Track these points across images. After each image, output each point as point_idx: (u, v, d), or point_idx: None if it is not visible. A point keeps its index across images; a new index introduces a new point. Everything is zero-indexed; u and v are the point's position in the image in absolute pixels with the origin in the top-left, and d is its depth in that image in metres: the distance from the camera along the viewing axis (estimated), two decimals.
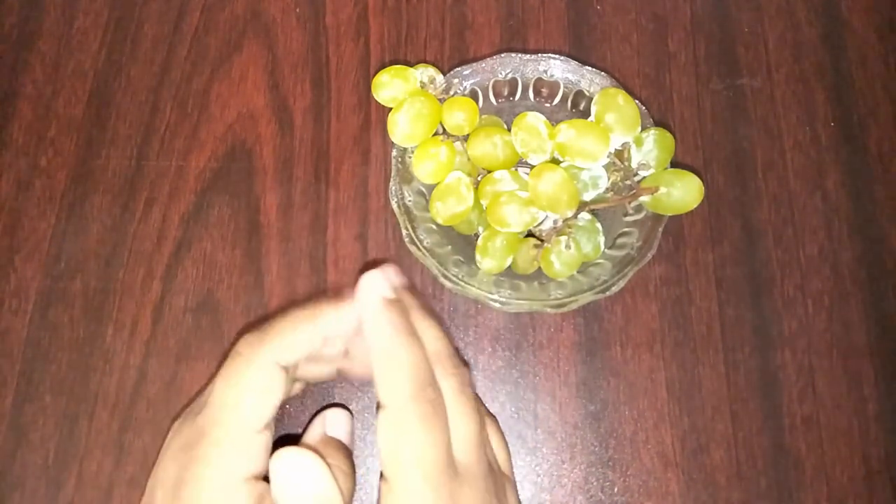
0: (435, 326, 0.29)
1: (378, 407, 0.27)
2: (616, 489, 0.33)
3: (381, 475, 0.26)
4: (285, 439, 0.29)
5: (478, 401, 0.30)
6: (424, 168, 0.32)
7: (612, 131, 0.31)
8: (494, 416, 0.33)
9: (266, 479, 0.28)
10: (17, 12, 0.41)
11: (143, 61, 0.40)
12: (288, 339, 0.27)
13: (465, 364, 0.31)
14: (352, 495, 0.28)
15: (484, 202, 0.33)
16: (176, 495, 0.26)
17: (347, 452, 0.29)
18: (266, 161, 0.38)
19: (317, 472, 0.25)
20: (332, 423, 0.30)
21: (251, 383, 0.27)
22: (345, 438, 0.29)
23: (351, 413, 0.32)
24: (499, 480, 0.28)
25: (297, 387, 0.31)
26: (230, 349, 0.30)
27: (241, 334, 0.28)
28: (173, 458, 0.27)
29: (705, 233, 0.37)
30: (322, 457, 0.26)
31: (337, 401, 0.34)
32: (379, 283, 0.28)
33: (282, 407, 0.28)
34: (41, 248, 0.36)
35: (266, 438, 0.27)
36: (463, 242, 0.35)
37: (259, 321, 0.34)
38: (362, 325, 0.28)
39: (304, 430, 0.31)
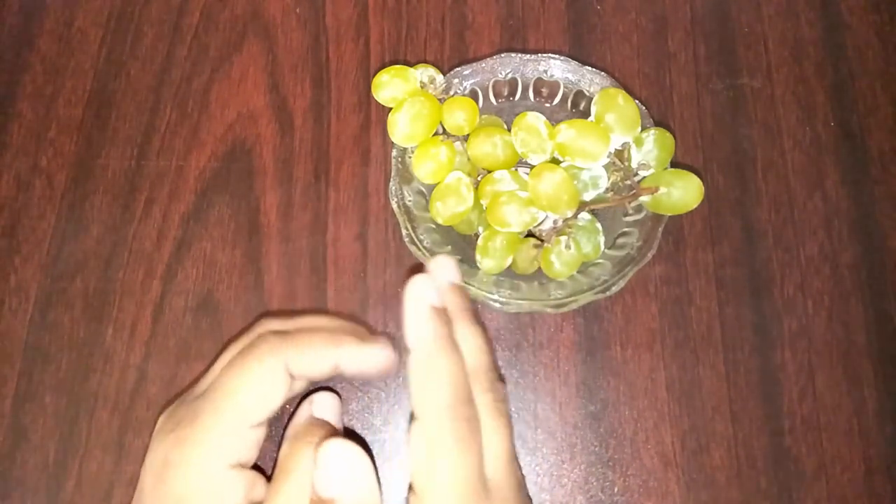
0: (478, 335, 0.28)
1: (411, 416, 0.27)
2: (616, 489, 0.33)
3: (410, 487, 0.26)
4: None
5: (509, 415, 0.30)
6: (424, 168, 0.32)
7: (612, 131, 0.31)
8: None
9: (255, 467, 0.28)
10: (17, 12, 0.41)
11: (143, 61, 0.40)
12: (306, 357, 0.28)
13: (502, 379, 0.30)
14: None
15: (484, 202, 0.33)
16: (162, 477, 0.26)
17: (336, 434, 0.29)
18: (266, 161, 0.38)
19: (362, 467, 0.25)
20: (320, 406, 0.31)
21: (259, 381, 0.27)
22: (332, 420, 0.30)
23: (339, 396, 0.32)
24: (528, 499, 0.28)
25: (299, 385, 0.31)
26: (246, 329, 0.30)
27: (259, 318, 0.28)
28: (162, 441, 0.27)
29: (705, 233, 0.37)
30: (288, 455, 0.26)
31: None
32: (426, 290, 0.28)
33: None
34: (41, 248, 0.36)
35: (260, 434, 0.28)
36: (463, 242, 0.35)
37: (284, 313, 0.34)
38: (404, 332, 0.27)
39: (293, 412, 0.31)
